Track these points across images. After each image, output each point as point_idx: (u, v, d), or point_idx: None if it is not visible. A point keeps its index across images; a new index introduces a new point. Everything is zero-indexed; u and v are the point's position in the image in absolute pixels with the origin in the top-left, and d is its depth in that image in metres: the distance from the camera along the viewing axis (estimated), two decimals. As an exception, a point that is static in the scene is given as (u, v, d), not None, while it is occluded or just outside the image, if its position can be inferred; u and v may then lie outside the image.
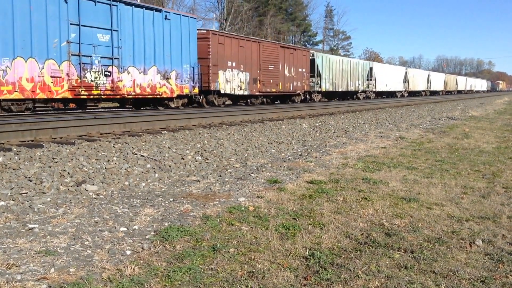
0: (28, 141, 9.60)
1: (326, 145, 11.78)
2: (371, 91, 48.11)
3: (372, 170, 8.19)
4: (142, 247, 4.23)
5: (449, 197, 6.35)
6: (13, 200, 5.76)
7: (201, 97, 23.35)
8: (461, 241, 4.55)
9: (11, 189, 6.10)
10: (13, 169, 6.90)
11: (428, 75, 72.28)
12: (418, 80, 66.03)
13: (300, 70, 32.61)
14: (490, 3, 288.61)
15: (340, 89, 40.37)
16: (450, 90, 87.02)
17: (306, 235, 4.62)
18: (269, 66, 28.69)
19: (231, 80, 25.15)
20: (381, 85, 50.53)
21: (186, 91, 21.22)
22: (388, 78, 52.89)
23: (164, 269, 3.72)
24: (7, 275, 3.55)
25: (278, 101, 32.57)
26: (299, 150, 11.02)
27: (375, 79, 48.53)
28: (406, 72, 60.63)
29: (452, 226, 5.03)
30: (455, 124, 18.78)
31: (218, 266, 3.82)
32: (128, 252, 4.12)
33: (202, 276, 3.62)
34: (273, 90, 29.46)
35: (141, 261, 3.89)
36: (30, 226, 4.81)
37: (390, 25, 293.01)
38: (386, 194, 6.42)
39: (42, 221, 5.00)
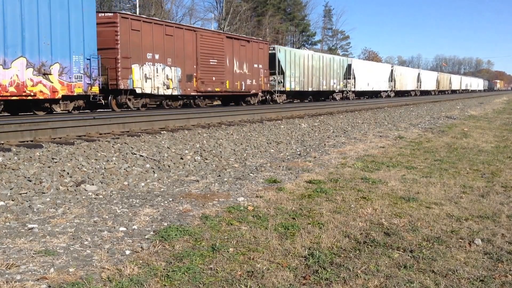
0: (27, 141, 9.60)
1: (325, 144, 11.79)
2: (349, 91, 43.30)
3: (371, 169, 8.19)
4: (141, 247, 4.23)
5: (448, 196, 6.35)
6: (12, 200, 5.76)
7: (110, 98, 18.94)
8: (460, 240, 4.56)
9: (10, 189, 6.10)
10: (13, 169, 6.89)
11: (418, 74, 67.14)
12: (407, 79, 61.04)
13: (255, 66, 27.67)
14: (489, 3, 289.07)
15: (310, 89, 35.83)
16: (444, 90, 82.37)
17: (305, 234, 4.63)
18: (211, 60, 23.67)
19: (153, 77, 20.22)
20: (362, 84, 45.75)
21: (78, 91, 16.35)
22: (371, 77, 47.91)
23: (164, 269, 3.72)
24: (6, 275, 3.56)
25: (233, 103, 28.65)
26: (298, 149, 11.02)
27: (354, 78, 43.73)
28: (392, 70, 55.33)
29: (451, 225, 5.04)
30: (454, 123, 18.80)
31: (217, 265, 3.82)
32: (127, 252, 4.12)
33: (201, 276, 3.62)
34: (217, 89, 24.50)
35: (141, 261, 3.89)
36: (30, 226, 4.81)
37: (388, 24, 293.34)
38: (385, 193, 6.42)
39: (41, 221, 5.00)
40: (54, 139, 10.04)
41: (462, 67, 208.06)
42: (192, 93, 22.85)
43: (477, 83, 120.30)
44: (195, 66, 22.67)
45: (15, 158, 7.60)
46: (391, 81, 54.71)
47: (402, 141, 12.47)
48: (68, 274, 3.62)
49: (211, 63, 23.82)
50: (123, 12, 21.00)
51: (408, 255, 4.12)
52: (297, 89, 33.76)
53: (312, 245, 4.35)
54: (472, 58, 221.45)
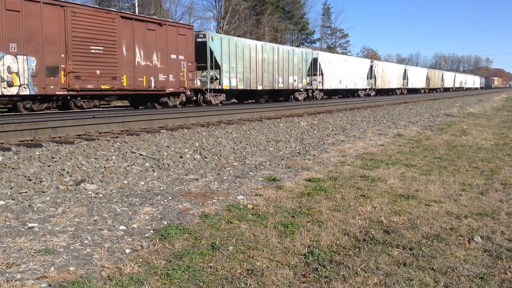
0: (27, 140, 9.60)
1: (324, 143, 11.79)
2: (316, 90, 36.68)
3: (370, 167, 8.20)
4: (141, 246, 4.24)
5: (447, 194, 6.36)
6: (12, 200, 5.77)
7: None
8: (460, 237, 4.57)
9: (10, 188, 6.11)
10: (13, 169, 6.90)
11: (405, 70, 60.27)
12: (390, 76, 54.21)
13: (173, 57, 21.21)
14: (488, 0, 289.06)
15: (260, 87, 28.86)
16: (434, 88, 75.25)
17: (305, 232, 4.64)
18: (92, 47, 17.46)
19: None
20: (332, 82, 39.11)
21: None
22: (344, 73, 41.44)
23: (164, 267, 3.73)
24: (7, 274, 3.56)
25: (149, 104, 22.53)
26: (297, 148, 11.03)
27: (322, 74, 36.96)
28: (371, 66, 48.42)
29: (450, 223, 5.05)
30: (453, 121, 18.81)
31: (217, 264, 3.83)
32: (127, 251, 4.13)
33: (201, 274, 3.63)
34: (105, 86, 18.10)
35: (141, 260, 3.90)
36: (30, 225, 4.82)
37: (387, 22, 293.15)
38: (384, 191, 6.43)
39: (41, 220, 5.01)
40: (53, 138, 10.04)
41: (461, 64, 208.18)
42: (58, 92, 16.44)
43: (473, 81, 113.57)
44: (63, 55, 16.36)
45: (15, 157, 7.60)
46: (371, 78, 48.09)
47: (401, 139, 12.47)
48: (68, 273, 3.63)
49: (92, 51, 17.48)
50: None
51: (408, 253, 4.13)
52: (241, 87, 26.79)
53: (312, 243, 4.36)
54: (471, 56, 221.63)
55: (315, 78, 36.25)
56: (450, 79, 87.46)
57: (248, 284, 3.47)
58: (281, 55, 31.07)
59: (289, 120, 16.93)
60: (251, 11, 68.33)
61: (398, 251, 4.18)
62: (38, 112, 16.35)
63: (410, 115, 22.07)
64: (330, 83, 38.92)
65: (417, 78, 65.53)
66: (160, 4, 55.37)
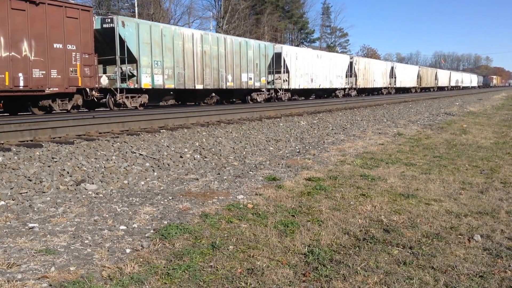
0: (27, 141, 9.60)
1: (324, 142, 11.80)
2: (281, 89, 31.17)
3: (370, 166, 8.21)
4: (141, 245, 4.25)
5: (447, 192, 6.37)
6: (13, 200, 5.77)
7: None
8: (460, 236, 4.57)
9: (11, 188, 6.12)
10: (13, 169, 6.90)
11: (392, 68, 54.51)
12: (374, 74, 48.43)
13: (57, 46, 15.88)
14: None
15: (201, 86, 22.93)
16: (427, 87, 69.90)
17: (305, 232, 4.64)
18: None
19: None
20: (300, 81, 33.41)
21: None
22: (316, 71, 35.84)
23: (164, 267, 3.74)
24: (7, 274, 3.57)
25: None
26: (297, 147, 11.03)
27: (288, 72, 31.44)
28: (351, 63, 42.93)
29: (450, 221, 5.05)
30: (453, 120, 18.81)
31: (217, 263, 3.84)
32: (128, 251, 4.14)
33: (201, 274, 3.64)
34: None
35: (141, 259, 3.90)
36: (30, 225, 4.83)
37: (387, 22, 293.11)
38: (384, 190, 6.44)
39: (42, 220, 5.01)
40: (54, 138, 10.04)
41: (461, 63, 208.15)
42: None
43: (470, 79, 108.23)
44: None
45: (15, 157, 7.60)
46: (351, 76, 42.93)
47: (401, 138, 12.48)
48: (69, 272, 3.64)
49: None
50: None
51: (408, 252, 4.13)
52: (170, 86, 21.16)
53: (312, 242, 4.37)
54: (470, 55, 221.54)
55: (279, 76, 30.77)
56: (445, 77, 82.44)
57: (248, 284, 3.47)
58: (229, 48, 25.12)
59: (289, 119, 16.94)
60: (250, 10, 68.39)
61: (398, 250, 4.19)
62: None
63: (410, 114, 22.07)
64: (298, 82, 33.16)
65: (407, 76, 59.90)
66: (159, 4, 55.38)
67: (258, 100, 28.49)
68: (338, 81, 40.28)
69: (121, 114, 14.75)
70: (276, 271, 3.69)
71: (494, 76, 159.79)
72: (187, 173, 7.81)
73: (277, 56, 30.38)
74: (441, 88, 78.27)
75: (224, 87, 25.10)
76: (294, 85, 32.57)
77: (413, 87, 62.92)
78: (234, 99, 28.74)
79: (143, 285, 3.43)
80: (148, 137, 10.60)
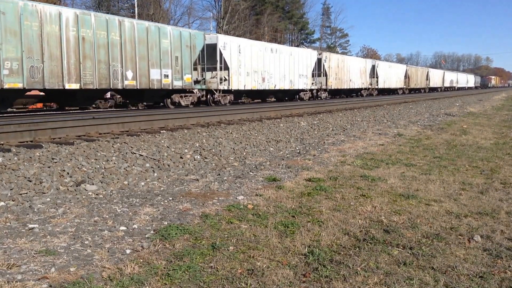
0: (27, 141, 9.60)
1: (324, 142, 11.80)
2: (217, 90, 24.82)
3: (370, 167, 8.21)
4: (142, 246, 4.25)
5: (447, 193, 6.37)
6: (13, 201, 5.77)
7: None
8: (460, 237, 4.57)
9: (10, 189, 6.12)
10: (13, 170, 6.90)
11: (373, 66, 48.14)
12: (351, 73, 42.33)
13: None
14: None
15: (75, 86, 16.61)
16: (417, 88, 63.91)
17: (305, 232, 4.64)
18: None
19: None
20: (246, 81, 26.95)
21: None
22: (269, 68, 29.42)
23: (164, 268, 3.74)
24: (8, 275, 3.57)
25: None
26: (297, 148, 11.04)
27: (228, 69, 25.48)
28: (320, 60, 36.43)
29: (450, 222, 5.05)
30: (453, 120, 18.81)
31: (217, 264, 3.84)
32: (128, 251, 4.14)
33: (201, 274, 3.64)
34: None
35: (141, 260, 3.90)
36: (30, 226, 4.83)
37: (387, 22, 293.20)
38: (384, 191, 6.44)
39: (42, 221, 5.01)
40: (53, 139, 10.04)
41: (461, 64, 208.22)
42: None
43: (466, 79, 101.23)
44: None
45: (15, 158, 7.60)
46: (320, 76, 36.49)
47: (401, 139, 12.48)
48: (69, 273, 3.64)
49: None
50: None
51: (408, 252, 4.13)
52: (13, 85, 14.95)
53: (312, 243, 4.37)
54: (471, 55, 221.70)
55: (215, 75, 24.61)
56: (438, 77, 76.22)
57: (248, 284, 3.47)
58: (129, 35, 18.82)
59: (289, 120, 16.93)
60: (250, 11, 68.45)
61: (398, 250, 4.19)
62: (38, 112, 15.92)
63: (410, 114, 22.07)
64: (243, 82, 26.69)
65: (392, 76, 53.33)
66: (159, 4, 55.42)
67: (183, 104, 22.00)
68: (302, 81, 33.50)
69: (121, 114, 14.74)
70: (276, 271, 3.69)
71: (493, 77, 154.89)
72: (187, 174, 7.81)
73: (211, 48, 24.02)
74: (434, 89, 72.87)
75: (120, 87, 18.61)
76: (236, 85, 25.91)
77: (400, 88, 56.55)
78: (153, 103, 22.76)
79: (143, 285, 3.43)
80: (148, 138, 10.59)
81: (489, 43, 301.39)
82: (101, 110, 20.18)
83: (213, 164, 8.75)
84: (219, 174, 7.75)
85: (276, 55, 30.26)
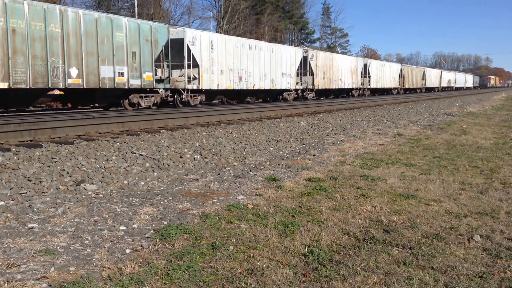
0: (27, 141, 9.60)
1: (324, 142, 11.80)
2: (185, 90, 22.26)
3: (370, 167, 8.21)
4: (141, 246, 4.25)
5: (447, 193, 6.37)
6: (12, 200, 5.77)
7: None
8: (460, 237, 4.57)
9: (10, 189, 6.11)
10: (12, 169, 6.90)
11: (365, 65, 45.39)
12: (341, 72, 39.41)
13: None
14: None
15: (4, 85, 14.33)
16: (413, 88, 61.54)
17: (305, 232, 4.64)
18: None
19: None
20: (221, 79, 24.44)
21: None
22: (248, 66, 26.75)
23: (164, 267, 3.74)
24: (7, 275, 3.57)
25: None
26: (297, 148, 11.04)
27: (198, 66, 22.56)
28: (306, 58, 33.56)
29: (450, 222, 5.05)
30: (453, 120, 18.81)
31: (217, 263, 3.84)
32: (127, 251, 4.14)
33: (201, 274, 3.64)
34: None
35: (141, 260, 3.90)
36: (30, 225, 4.82)
37: (387, 22, 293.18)
38: (384, 191, 6.44)
39: (41, 221, 5.01)
40: (53, 138, 10.04)
41: (461, 64, 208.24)
42: None
43: (464, 79, 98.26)
44: None
45: (15, 158, 7.60)
46: (306, 75, 33.85)
47: (401, 139, 12.48)
48: (68, 273, 3.64)
49: None
50: None
51: (408, 252, 4.13)
52: None
53: (312, 242, 4.37)
54: (470, 55, 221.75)
55: (183, 73, 22.04)
56: (435, 77, 73.31)
57: (248, 284, 3.47)
58: (73, 27, 16.49)
59: (289, 119, 16.93)
60: (250, 10, 68.45)
61: (398, 250, 4.19)
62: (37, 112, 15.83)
63: (410, 114, 22.08)
64: (216, 81, 23.99)
65: (385, 75, 50.70)
66: (159, 4, 55.42)
67: (143, 105, 19.64)
68: (285, 81, 30.81)
69: (120, 114, 14.74)
70: (276, 271, 3.69)
71: (492, 76, 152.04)
72: (187, 174, 7.81)
73: (178, 44, 21.74)
74: (430, 89, 70.12)
75: (62, 86, 16.35)
76: (208, 84, 23.40)
77: (394, 88, 54.07)
78: (97, 104, 20.29)
79: (143, 285, 3.43)
80: (148, 137, 10.59)
81: (489, 43, 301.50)
82: (98, 109, 19.96)
83: (213, 164, 8.75)
84: (219, 174, 7.74)
85: (255, 52, 27.57)
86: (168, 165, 8.27)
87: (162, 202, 5.81)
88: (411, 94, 52.56)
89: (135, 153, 8.70)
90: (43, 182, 6.49)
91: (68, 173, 7.03)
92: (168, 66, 21.29)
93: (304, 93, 33.88)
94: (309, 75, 34.09)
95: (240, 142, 11.16)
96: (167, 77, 21.14)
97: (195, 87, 22.64)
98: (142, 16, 47.15)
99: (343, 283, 3.50)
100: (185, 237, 4.45)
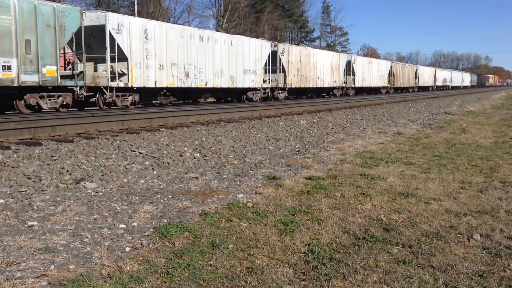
0: (26, 139, 9.58)
1: (324, 141, 11.80)
2: (109, 88, 18.08)
3: (370, 165, 8.21)
4: (141, 244, 4.25)
5: (447, 192, 6.37)
6: (12, 198, 5.77)
7: None
8: (459, 235, 4.58)
9: (10, 187, 6.11)
10: (12, 167, 6.90)
11: (348, 62, 40.63)
12: (316, 68, 34.41)
13: None
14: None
15: None
16: (404, 87, 57.01)
17: (305, 230, 4.64)
18: None
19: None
20: (158, 75, 19.94)
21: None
22: (196, 61, 22.18)
23: (164, 266, 3.74)
24: (7, 273, 3.57)
25: None
26: (297, 146, 11.03)
27: (126, 59, 18.51)
28: (274, 52, 28.93)
29: (450, 220, 5.06)
30: (453, 119, 18.81)
31: (217, 262, 3.84)
32: (127, 249, 4.14)
33: (201, 272, 3.64)
34: None
35: (141, 258, 3.90)
36: (30, 223, 4.82)
37: (387, 21, 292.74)
38: (384, 189, 6.44)
39: (41, 219, 5.01)
40: (53, 136, 10.03)
41: (461, 62, 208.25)
42: None
43: (461, 78, 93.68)
44: None
45: (15, 156, 7.60)
46: (276, 72, 29.43)
47: (401, 137, 12.48)
48: (68, 271, 3.64)
49: None
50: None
51: (407, 251, 4.13)
52: None
53: (312, 241, 4.37)
54: (470, 54, 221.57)
55: (105, 67, 18.23)
56: (428, 76, 68.64)
57: (248, 282, 3.47)
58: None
59: (288, 118, 16.92)
60: (250, 9, 68.40)
61: (398, 249, 4.19)
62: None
63: (410, 113, 22.08)
64: (153, 78, 19.69)
65: (373, 73, 46.16)
66: (159, 2, 55.36)
67: (45, 107, 15.73)
68: (249, 78, 26.37)
69: (120, 112, 14.72)
70: (276, 270, 3.69)
71: (491, 75, 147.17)
72: (187, 172, 7.81)
73: (99, 32, 17.81)
74: (424, 89, 65.96)
75: None
76: (141, 81, 19.05)
77: (383, 87, 49.76)
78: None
79: (143, 283, 3.43)
80: (148, 136, 10.59)
81: (489, 42, 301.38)
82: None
83: (213, 162, 8.75)
84: (218, 172, 7.74)
85: (209, 44, 23.14)
86: (168, 164, 8.27)
87: (162, 201, 5.81)
88: (402, 94, 49.02)
89: (134, 151, 8.70)
90: (43, 180, 6.48)
91: (68, 171, 7.03)
92: (81, 59, 17.04)
93: (275, 93, 29.48)
94: (280, 72, 29.71)
95: (240, 141, 11.16)
96: (81, 72, 16.93)
97: (122, 84, 18.39)
98: (141, 15, 47.08)
99: (343, 282, 3.50)
100: (185, 236, 4.45)
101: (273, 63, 28.87)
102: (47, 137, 9.88)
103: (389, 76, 50.90)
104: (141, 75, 19.04)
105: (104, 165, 7.58)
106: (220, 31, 32.40)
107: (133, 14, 41.52)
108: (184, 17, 60.75)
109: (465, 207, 5.60)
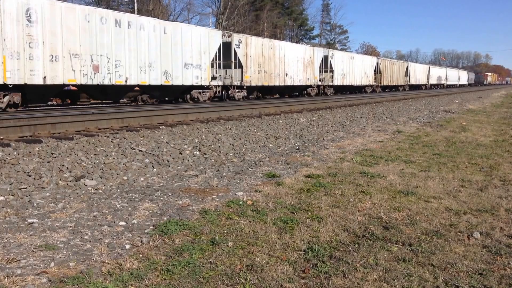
0: (26, 136, 9.58)
1: (323, 139, 11.80)
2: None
3: (369, 164, 8.21)
4: (141, 241, 4.25)
5: (446, 190, 6.37)
6: (12, 195, 5.77)
7: None
8: (459, 234, 4.58)
9: (10, 184, 6.11)
10: (12, 165, 6.89)
11: (326, 57, 36.15)
12: (284, 64, 29.90)
13: None
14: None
15: None
16: (392, 85, 52.46)
17: (304, 228, 4.64)
18: None
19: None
20: (50, 68, 15.30)
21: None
22: (110, 51, 17.47)
23: (164, 263, 3.74)
24: (7, 270, 3.57)
25: None
26: (296, 144, 11.03)
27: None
28: (227, 44, 24.76)
29: (450, 219, 5.06)
30: (452, 117, 18.81)
31: (217, 259, 3.84)
32: (127, 246, 4.14)
33: (201, 270, 3.64)
34: None
35: (141, 255, 3.90)
36: (30, 220, 4.82)
37: (387, 19, 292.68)
38: (383, 187, 6.44)
39: (41, 216, 5.01)
40: (53, 134, 10.03)
41: (461, 61, 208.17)
42: None
43: (458, 76, 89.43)
44: None
45: (15, 153, 7.59)
46: (231, 67, 25.14)
47: (401, 135, 12.48)
48: (68, 268, 3.64)
49: None
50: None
51: (407, 249, 4.13)
52: None
53: (311, 239, 4.37)
54: (470, 52, 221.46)
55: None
56: (421, 73, 64.18)
57: (248, 280, 3.48)
58: None
59: (288, 116, 16.92)
60: (250, 7, 68.33)
61: (398, 247, 4.19)
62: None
63: (410, 111, 22.08)
64: (42, 72, 15.25)
65: (355, 70, 41.77)
66: (159, 0, 55.30)
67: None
68: (192, 74, 21.84)
69: (120, 110, 14.71)
70: (276, 267, 3.70)
71: (489, 73, 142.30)
72: (186, 170, 7.81)
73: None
74: (416, 87, 61.86)
75: None
76: (20, 77, 14.65)
77: (368, 86, 45.42)
78: None
79: (143, 281, 3.43)
80: (148, 133, 10.58)
81: (489, 40, 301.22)
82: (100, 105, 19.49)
83: (212, 160, 8.75)
84: (218, 170, 7.75)
85: (131, 31, 18.46)
86: (168, 161, 8.27)
87: (161, 198, 5.82)
88: (389, 93, 45.04)
89: (134, 149, 8.70)
90: (43, 177, 6.49)
91: (67, 168, 7.03)
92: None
93: (230, 92, 25.16)
94: (236, 67, 25.25)
95: (240, 139, 11.16)
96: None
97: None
98: (141, 12, 47.00)
99: (343, 280, 3.51)
100: (185, 233, 4.46)
101: (227, 57, 24.43)
102: (47, 134, 9.88)
103: (375, 73, 46.47)
104: (20, 68, 14.61)
105: (104, 163, 7.58)
106: (219, 29, 28.92)
107: (133, 12, 41.45)
108: (183, 15, 60.71)
109: (465, 206, 5.60)
